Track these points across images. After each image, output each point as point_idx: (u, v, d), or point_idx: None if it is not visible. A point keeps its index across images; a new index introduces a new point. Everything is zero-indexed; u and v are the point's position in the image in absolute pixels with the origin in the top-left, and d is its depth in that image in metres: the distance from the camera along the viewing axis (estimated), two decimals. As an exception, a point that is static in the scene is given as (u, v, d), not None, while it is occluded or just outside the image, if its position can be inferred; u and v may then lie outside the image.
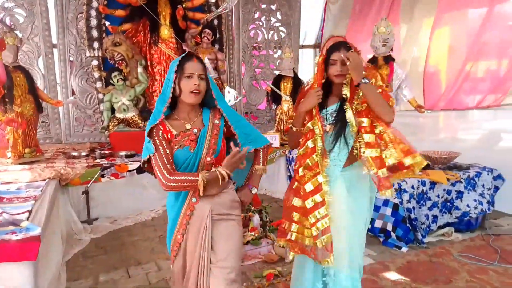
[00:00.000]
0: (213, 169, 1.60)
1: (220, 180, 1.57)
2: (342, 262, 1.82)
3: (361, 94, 1.78)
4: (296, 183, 1.92)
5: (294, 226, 1.89)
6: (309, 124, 1.85)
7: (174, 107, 1.70)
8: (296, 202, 1.89)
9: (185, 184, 1.56)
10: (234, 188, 1.77)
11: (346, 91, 1.81)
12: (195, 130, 1.66)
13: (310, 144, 1.83)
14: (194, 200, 1.65)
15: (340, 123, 1.82)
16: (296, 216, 1.89)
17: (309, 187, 1.83)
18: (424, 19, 4.89)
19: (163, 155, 1.58)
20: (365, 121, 1.77)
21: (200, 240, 1.65)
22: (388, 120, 1.76)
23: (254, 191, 1.79)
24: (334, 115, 1.86)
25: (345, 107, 1.81)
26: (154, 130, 1.63)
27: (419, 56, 5.03)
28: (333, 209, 1.82)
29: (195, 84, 1.60)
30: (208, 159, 1.64)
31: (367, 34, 5.39)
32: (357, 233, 1.88)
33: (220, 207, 1.68)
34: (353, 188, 1.87)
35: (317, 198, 1.80)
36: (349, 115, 1.79)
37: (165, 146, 1.60)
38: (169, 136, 1.63)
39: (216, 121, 1.69)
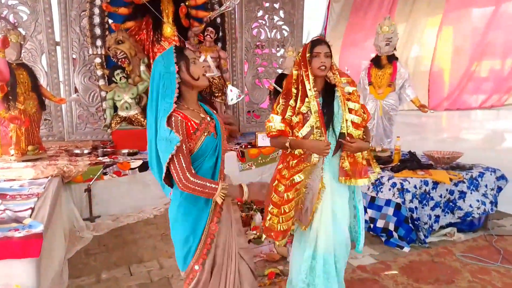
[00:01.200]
0: (236, 184, 1.64)
1: (238, 195, 1.62)
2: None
3: (346, 89, 1.98)
4: (277, 181, 2.03)
5: (269, 216, 2.05)
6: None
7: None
8: (275, 198, 2.02)
9: (202, 189, 1.49)
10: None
11: (338, 81, 1.98)
12: (208, 118, 1.63)
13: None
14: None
15: (327, 115, 1.94)
16: (273, 209, 2.03)
17: (292, 180, 1.97)
18: (428, 18, 4.86)
19: (185, 152, 1.49)
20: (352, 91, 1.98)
21: (229, 226, 1.66)
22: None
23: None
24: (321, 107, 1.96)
25: (336, 93, 1.96)
26: (173, 119, 1.50)
27: (422, 56, 5.01)
28: (323, 200, 1.98)
29: (204, 67, 1.65)
30: (223, 146, 1.68)
31: (367, 33, 5.40)
32: (341, 217, 2.04)
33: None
34: (333, 185, 2.01)
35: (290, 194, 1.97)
36: (338, 94, 1.96)
37: (187, 141, 1.52)
38: (191, 126, 1.54)
39: (213, 111, 1.74)
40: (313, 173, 1.99)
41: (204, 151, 1.57)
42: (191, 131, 1.54)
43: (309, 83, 1.91)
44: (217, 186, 1.51)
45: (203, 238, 1.59)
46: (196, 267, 1.60)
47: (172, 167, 1.49)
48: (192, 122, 1.55)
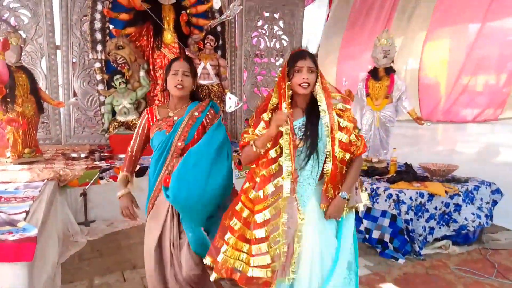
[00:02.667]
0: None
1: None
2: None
3: (338, 105, 1.73)
4: (241, 203, 1.74)
5: (225, 248, 1.71)
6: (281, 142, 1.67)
7: None
8: (237, 225, 1.72)
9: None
10: None
11: (323, 106, 1.69)
12: (175, 118, 1.97)
13: (274, 166, 1.67)
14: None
15: (311, 138, 1.68)
16: (231, 239, 1.71)
17: (263, 216, 1.64)
18: (419, 32, 4.94)
19: (137, 138, 2.08)
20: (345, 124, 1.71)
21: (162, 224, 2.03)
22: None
23: None
24: (303, 129, 1.71)
25: (321, 114, 1.69)
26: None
27: (415, 68, 5.07)
28: (305, 231, 1.67)
29: (179, 80, 1.92)
30: (179, 144, 1.90)
31: (364, 46, 5.47)
32: (330, 257, 1.71)
33: None
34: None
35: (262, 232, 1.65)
36: (326, 120, 1.68)
37: (140, 132, 2.07)
38: (154, 119, 2.01)
39: (196, 113, 1.96)
40: (289, 204, 1.64)
41: (154, 142, 1.97)
42: (151, 124, 2.02)
43: (285, 100, 1.67)
44: (121, 172, 2.13)
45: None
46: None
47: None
48: (155, 118, 2.01)
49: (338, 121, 1.70)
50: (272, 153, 1.68)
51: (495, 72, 4.23)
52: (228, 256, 1.69)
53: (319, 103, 1.71)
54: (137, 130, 2.06)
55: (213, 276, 1.72)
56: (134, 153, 2.08)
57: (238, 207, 1.74)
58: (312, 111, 1.73)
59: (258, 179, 1.71)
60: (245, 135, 1.78)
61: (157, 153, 1.96)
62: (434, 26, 4.72)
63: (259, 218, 1.66)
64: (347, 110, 1.75)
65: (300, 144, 1.69)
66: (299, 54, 1.73)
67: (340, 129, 1.69)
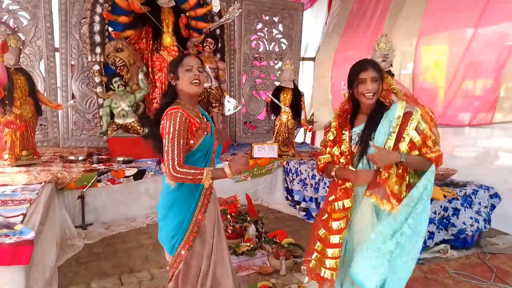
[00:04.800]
0: (219, 166, 1.73)
1: (223, 175, 1.69)
2: None
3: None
4: (326, 215, 1.86)
5: (315, 255, 1.87)
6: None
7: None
8: (322, 233, 1.86)
9: (189, 177, 1.64)
10: None
11: (399, 112, 1.72)
12: (205, 120, 1.83)
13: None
14: (206, 201, 1.83)
15: (364, 143, 1.74)
16: (319, 246, 1.86)
17: (336, 225, 1.80)
18: (411, 36, 4.98)
19: (181, 145, 1.66)
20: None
21: (217, 216, 1.88)
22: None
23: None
24: (361, 134, 1.78)
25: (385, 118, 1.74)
26: (174, 112, 1.66)
27: (408, 72, 5.10)
28: (357, 233, 1.78)
29: (195, 75, 1.73)
30: (214, 145, 1.85)
31: (361, 50, 5.50)
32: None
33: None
34: (382, 212, 1.73)
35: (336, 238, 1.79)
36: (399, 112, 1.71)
37: (184, 136, 1.67)
38: (193, 124, 1.72)
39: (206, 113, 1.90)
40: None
41: (200, 148, 1.75)
42: (194, 129, 1.72)
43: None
44: (203, 171, 1.64)
45: (191, 226, 1.78)
46: (183, 252, 1.79)
47: (165, 157, 1.66)
48: (194, 121, 1.73)
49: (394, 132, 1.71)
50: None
51: (485, 76, 4.27)
52: (317, 261, 1.85)
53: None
54: (179, 134, 1.65)
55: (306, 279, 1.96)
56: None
57: (324, 218, 1.87)
58: (373, 118, 1.77)
59: (338, 193, 1.81)
60: (320, 157, 1.91)
61: (200, 159, 1.78)
62: (426, 31, 4.77)
63: (335, 225, 1.79)
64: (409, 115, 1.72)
65: (355, 150, 1.78)
66: (361, 66, 1.76)
67: (400, 139, 1.70)
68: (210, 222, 1.84)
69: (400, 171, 1.73)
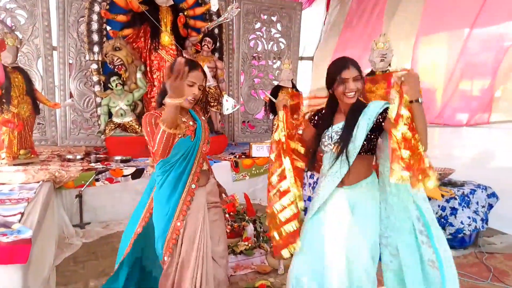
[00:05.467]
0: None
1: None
2: None
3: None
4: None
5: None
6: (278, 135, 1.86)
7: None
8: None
9: (167, 118, 1.55)
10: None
11: (393, 111, 1.61)
12: (191, 123, 1.83)
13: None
14: (193, 186, 1.80)
15: (343, 141, 1.73)
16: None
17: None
18: (409, 36, 4.99)
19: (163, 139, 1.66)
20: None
21: (200, 226, 1.80)
22: (424, 149, 1.58)
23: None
24: (339, 133, 1.78)
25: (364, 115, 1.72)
26: (147, 115, 1.71)
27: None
28: (330, 230, 1.77)
29: (194, 94, 1.76)
30: (204, 148, 1.85)
31: (359, 50, 5.52)
32: (360, 261, 1.74)
33: (210, 196, 1.92)
34: (358, 208, 1.77)
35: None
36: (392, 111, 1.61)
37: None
38: None
39: (203, 117, 1.92)
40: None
41: (177, 151, 1.70)
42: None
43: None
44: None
45: (169, 233, 1.76)
46: (166, 258, 1.78)
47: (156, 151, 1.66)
48: None
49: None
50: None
51: (482, 77, 4.29)
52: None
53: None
54: (154, 136, 1.67)
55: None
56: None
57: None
58: (352, 117, 1.75)
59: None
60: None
61: (180, 166, 1.76)
62: (423, 31, 4.78)
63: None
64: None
65: (334, 149, 1.78)
66: (343, 65, 1.73)
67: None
68: (190, 230, 1.78)
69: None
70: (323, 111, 1.91)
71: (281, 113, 1.87)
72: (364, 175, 1.80)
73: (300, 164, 1.90)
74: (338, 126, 1.81)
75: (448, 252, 1.65)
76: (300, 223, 1.86)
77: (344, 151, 1.73)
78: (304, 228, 1.87)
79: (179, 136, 1.70)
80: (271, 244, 1.99)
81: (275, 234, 1.84)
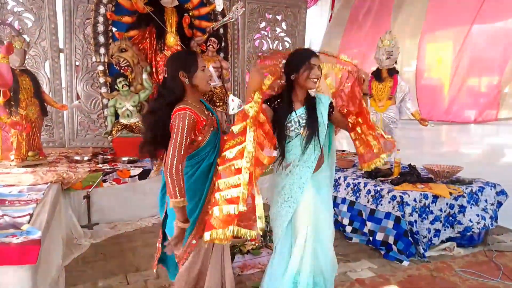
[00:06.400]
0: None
1: (178, 218, 1.74)
2: (306, 263, 1.97)
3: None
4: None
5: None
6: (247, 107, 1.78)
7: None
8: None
9: (175, 187, 1.67)
10: None
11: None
12: (210, 114, 1.90)
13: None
14: None
15: (313, 124, 1.95)
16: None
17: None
18: (415, 33, 4.96)
19: (184, 143, 1.71)
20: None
21: None
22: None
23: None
24: (304, 117, 1.98)
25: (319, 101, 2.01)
26: (183, 114, 1.72)
27: (422, 70, 5.07)
28: (300, 210, 1.99)
29: (209, 75, 1.90)
30: (225, 137, 1.81)
31: (363, 47, 5.49)
32: (326, 234, 2.06)
33: None
34: (321, 190, 2.05)
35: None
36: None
37: (189, 135, 1.73)
38: (200, 122, 1.78)
39: (218, 109, 1.95)
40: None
41: (209, 143, 1.82)
42: (200, 126, 1.78)
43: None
44: (183, 198, 1.69)
45: (202, 215, 1.82)
46: (194, 242, 1.86)
47: (169, 151, 1.70)
48: (201, 119, 1.79)
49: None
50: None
51: (489, 73, 4.24)
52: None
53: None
54: (182, 135, 1.70)
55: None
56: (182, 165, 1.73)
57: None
58: (311, 102, 2.00)
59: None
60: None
61: (211, 156, 1.84)
62: (429, 27, 4.75)
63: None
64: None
65: (302, 133, 1.97)
66: (311, 52, 1.96)
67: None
68: None
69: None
70: (280, 99, 2.02)
71: (257, 95, 1.81)
72: (322, 160, 2.07)
73: (263, 156, 1.78)
74: (300, 111, 2.00)
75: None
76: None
77: (316, 133, 1.94)
78: (278, 219, 2.09)
79: (211, 129, 1.83)
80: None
81: (215, 210, 1.63)
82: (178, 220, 1.72)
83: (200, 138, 1.79)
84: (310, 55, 1.94)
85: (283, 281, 1.98)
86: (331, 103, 2.06)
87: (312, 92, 2.00)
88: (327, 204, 2.11)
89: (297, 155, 1.99)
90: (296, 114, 1.99)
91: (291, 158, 2.01)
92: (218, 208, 1.62)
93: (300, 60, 1.94)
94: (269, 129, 1.84)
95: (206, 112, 1.88)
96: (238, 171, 1.65)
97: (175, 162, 1.68)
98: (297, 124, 1.98)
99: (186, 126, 1.70)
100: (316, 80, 1.93)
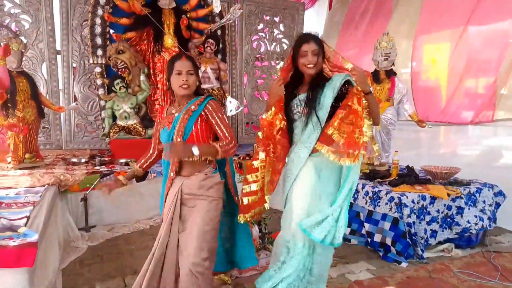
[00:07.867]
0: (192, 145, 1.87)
1: (189, 154, 1.85)
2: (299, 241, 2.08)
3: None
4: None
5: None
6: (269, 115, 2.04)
7: None
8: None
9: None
10: (212, 173, 2.04)
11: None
12: (176, 114, 2.01)
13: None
14: (172, 174, 2.02)
15: (310, 102, 1.97)
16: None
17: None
18: (409, 34, 4.98)
19: (154, 137, 2.17)
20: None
21: (171, 210, 1.99)
22: (376, 124, 2.04)
23: (195, 150, 1.87)
24: (306, 98, 2.02)
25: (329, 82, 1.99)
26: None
27: (419, 71, 5.09)
28: (296, 189, 2.06)
29: (184, 80, 1.94)
30: (179, 139, 1.93)
31: (358, 49, 5.51)
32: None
33: (190, 187, 1.99)
34: (323, 173, 2.03)
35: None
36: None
37: (155, 131, 2.12)
38: (161, 118, 2.11)
39: (193, 107, 1.99)
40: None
41: (161, 140, 2.05)
42: (158, 121, 2.12)
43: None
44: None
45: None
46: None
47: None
48: (163, 116, 2.09)
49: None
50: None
51: (485, 74, 4.26)
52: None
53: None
54: (153, 130, 2.19)
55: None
56: (151, 152, 2.21)
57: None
58: (315, 84, 1.99)
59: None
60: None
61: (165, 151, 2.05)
62: (423, 29, 4.77)
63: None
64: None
65: (301, 111, 2.01)
66: (303, 39, 1.97)
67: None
68: (165, 212, 2.06)
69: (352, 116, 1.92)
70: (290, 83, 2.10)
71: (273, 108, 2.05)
72: (331, 141, 1.99)
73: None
74: (303, 96, 2.04)
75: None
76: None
77: (313, 113, 1.95)
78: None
79: (160, 127, 2.04)
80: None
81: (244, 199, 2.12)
82: (200, 151, 1.85)
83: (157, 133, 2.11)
84: (301, 43, 1.96)
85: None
86: (347, 81, 1.97)
87: (330, 74, 2.02)
88: (326, 193, 2.04)
89: (299, 135, 2.06)
90: (298, 99, 2.05)
91: (296, 139, 2.09)
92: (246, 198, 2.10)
93: (294, 47, 2.00)
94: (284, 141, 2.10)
95: (173, 112, 2.04)
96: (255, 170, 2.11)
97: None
98: (298, 107, 2.03)
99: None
100: (311, 66, 1.94)
